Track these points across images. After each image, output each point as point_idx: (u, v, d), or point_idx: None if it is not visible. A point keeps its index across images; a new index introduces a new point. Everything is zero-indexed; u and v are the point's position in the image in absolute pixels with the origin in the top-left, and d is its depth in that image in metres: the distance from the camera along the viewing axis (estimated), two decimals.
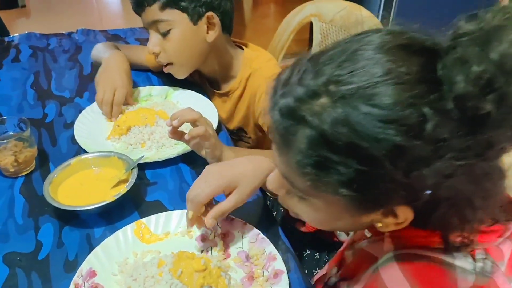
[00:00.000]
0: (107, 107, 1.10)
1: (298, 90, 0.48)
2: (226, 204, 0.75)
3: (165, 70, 1.15)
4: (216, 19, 1.09)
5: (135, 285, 0.70)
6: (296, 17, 1.54)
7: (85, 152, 0.99)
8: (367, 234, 0.65)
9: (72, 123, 1.10)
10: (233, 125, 1.25)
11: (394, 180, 0.45)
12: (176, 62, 1.13)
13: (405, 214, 0.50)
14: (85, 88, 1.27)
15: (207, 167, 0.78)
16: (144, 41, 1.54)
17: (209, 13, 1.08)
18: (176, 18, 1.06)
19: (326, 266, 0.81)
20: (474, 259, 0.53)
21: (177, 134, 0.92)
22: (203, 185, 0.74)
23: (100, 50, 1.24)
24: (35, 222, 0.85)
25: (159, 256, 0.76)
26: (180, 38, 1.08)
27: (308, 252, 1.01)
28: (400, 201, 0.49)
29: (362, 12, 1.35)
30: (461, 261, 0.52)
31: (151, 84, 1.30)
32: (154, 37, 1.09)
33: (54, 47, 1.49)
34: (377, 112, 0.43)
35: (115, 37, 1.58)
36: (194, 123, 0.89)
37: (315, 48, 1.49)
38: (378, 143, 0.43)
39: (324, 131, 0.45)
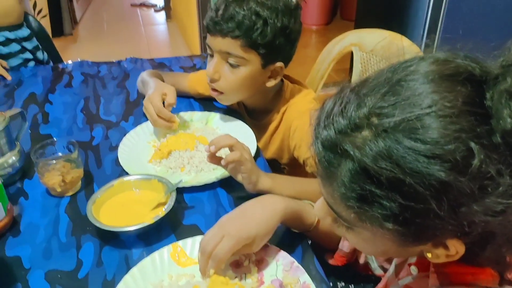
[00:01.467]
0: (161, 114, 1.13)
1: (340, 122, 0.48)
2: (226, 252, 0.75)
3: (214, 95, 1.17)
4: (282, 69, 1.13)
5: None
6: (337, 46, 1.55)
7: (127, 174, 1.03)
8: (413, 271, 0.63)
9: (117, 146, 1.15)
10: (267, 155, 1.26)
11: (440, 215, 0.44)
12: (228, 93, 1.15)
13: (456, 247, 0.48)
14: (130, 112, 1.32)
15: (224, 219, 0.78)
16: (187, 69, 1.60)
17: (280, 64, 1.11)
18: (251, 59, 1.07)
19: None
20: None
21: (215, 159, 0.94)
22: (225, 245, 0.73)
23: (145, 79, 1.28)
24: (77, 241, 0.88)
25: (194, 280, 0.76)
26: (246, 77, 1.10)
27: (343, 284, 0.99)
28: (450, 235, 0.47)
29: (403, 41, 1.34)
30: None
31: (193, 110, 1.33)
32: (218, 64, 1.10)
33: (104, 74, 1.57)
34: (421, 147, 0.42)
35: (161, 65, 1.64)
36: (231, 149, 0.91)
37: (355, 78, 1.49)
38: (421, 178, 0.42)
39: (366, 165, 0.45)
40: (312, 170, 1.10)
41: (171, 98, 1.16)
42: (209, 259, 0.74)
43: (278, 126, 1.21)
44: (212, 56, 1.12)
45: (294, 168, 1.25)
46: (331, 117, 0.50)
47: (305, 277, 0.76)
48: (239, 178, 0.94)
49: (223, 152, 0.94)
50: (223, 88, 1.12)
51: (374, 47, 1.43)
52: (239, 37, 1.03)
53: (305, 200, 0.86)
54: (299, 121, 1.14)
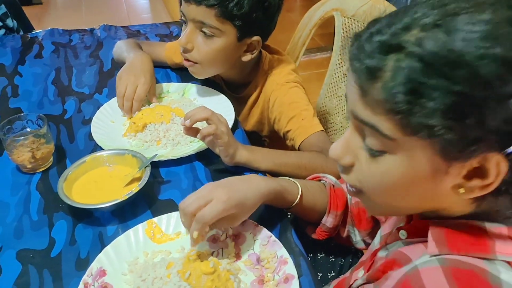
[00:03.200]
0: (128, 102, 1.10)
1: (392, 28, 0.46)
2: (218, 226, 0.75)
3: (187, 65, 1.12)
4: (259, 43, 1.09)
5: (143, 285, 0.70)
6: (318, 11, 1.50)
7: (101, 149, 0.99)
8: (402, 236, 0.62)
9: (90, 119, 1.11)
10: (247, 128, 1.24)
11: (494, 107, 0.42)
12: (202, 65, 1.10)
13: (498, 167, 0.45)
14: (104, 84, 1.27)
15: (212, 184, 0.75)
16: (164, 37, 1.54)
17: (257, 38, 1.07)
18: (226, 30, 1.03)
19: (349, 271, 0.79)
20: None
21: (191, 131, 0.91)
22: (212, 210, 0.70)
23: (123, 49, 1.24)
24: (49, 219, 0.85)
25: (169, 257, 0.75)
26: (220, 48, 1.05)
27: (323, 255, 0.98)
28: (495, 146, 0.45)
29: (385, 5, 1.30)
30: (506, 275, 0.49)
31: (169, 80, 1.29)
32: (191, 33, 1.05)
33: (76, 43, 1.50)
34: (482, 28, 0.42)
35: (136, 33, 1.58)
36: (207, 121, 0.88)
37: (337, 44, 1.46)
38: (481, 59, 0.41)
39: (422, 57, 0.43)
40: (291, 144, 1.08)
41: (140, 93, 1.10)
42: (192, 220, 0.71)
43: (257, 99, 1.18)
44: (186, 22, 1.07)
45: (275, 140, 1.24)
46: (380, 26, 0.48)
47: (282, 251, 0.75)
48: (217, 150, 0.92)
49: (201, 124, 0.91)
50: (197, 58, 1.08)
51: (356, 12, 1.38)
52: (214, 6, 0.99)
53: (289, 178, 0.84)
54: (277, 93, 1.11)
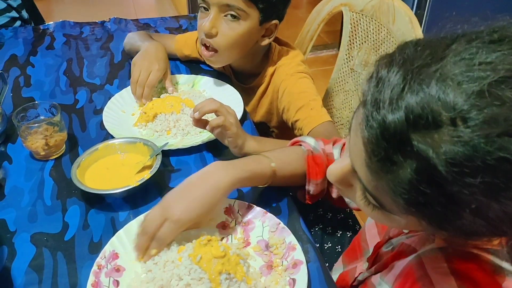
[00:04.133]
0: (140, 88, 1.11)
1: (412, 106, 0.39)
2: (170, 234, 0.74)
3: (207, 55, 1.12)
4: (277, 27, 1.11)
5: (155, 268, 0.71)
6: (326, 6, 1.51)
7: (112, 137, 1.01)
8: (405, 230, 0.63)
9: (102, 109, 1.12)
10: (255, 119, 1.25)
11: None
12: (222, 52, 1.10)
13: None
14: (115, 75, 1.29)
15: (164, 198, 0.76)
16: (174, 31, 1.56)
17: (276, 21, 1.09)
18: (251, 13, 1.04)
19: (342, 263, 0.80)
20: None
21: (200, 122, 0.92)
22: (166, 226, 0.72)
23: (136, 39, 1.26)
24: (62, 204, 0.87)
25: (180, 242, 0.77)
26: (244, 32, 1.06)
27: (330, 245, 1.00)
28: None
29: (394, 1, 1.31)
30: (508, 264, 0.50)
31: (178, 72, 1.31)
32: (216, 18, 1.05)
33: (87, 35, 1.52)
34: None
35: (146, 26, 1.60)
36: (216, 113, 0.90)
37: (345, 40, 1.47)
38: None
39: (438, 168, 0.38)
40: (300, 133, 1.10)
41: (153, 79, 1.12)
42: (150, 239, 0.73)
43: (266, 89, 1.19)
44: (206, 9, 1.07)
45: (283, 131, 1.25)
46: (397, 95, 0.40)
47: (290, 238, 0.76)
48: (226, 142, 0.93)
49: (210, 115, 0.92)
50: (220, 44, 1.08)
51: (364, 7, 1.40)
52: None
53: (263, 154, 0.84)
54: (287, 83, 1.13)
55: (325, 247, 1.00)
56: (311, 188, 0.85)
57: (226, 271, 0.69)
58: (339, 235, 1.03)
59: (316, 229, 1.05)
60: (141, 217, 0.81)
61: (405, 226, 0.49)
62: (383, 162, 0.41)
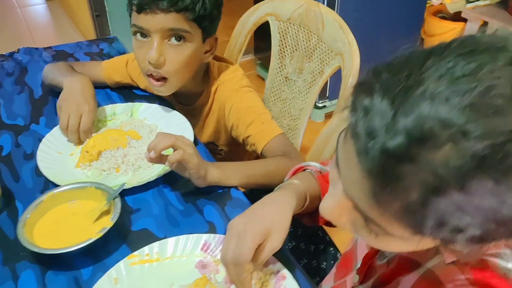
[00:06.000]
0: (73, 135, 1.01)
1: (411, 126, 0.38)
2: (265, 255, 0.68)
3: (157, 85, 1.04)
4: (217, 41, 1.08)
5: None
6: (251, 17, 1.50)
7: (54, 184, 0.91)
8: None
9: (33, 153, 1.01)
10: (202, 139, 1.21)
11: None
12: (172, 78, 1.03)
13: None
14: (39, 113, 1.17)
15: (231, 223, 0.70)
16: (95, 56, 1.46)
17: (215, 36, 1.06)
18: (194, 32, 1.00)
19: (334, 277, 0.79)
20: None
21: (157, 159, 0.85)
22: (241, 245, 0.66)
23: (55, 73, 1.14)
24: (12, 271, 0.76)
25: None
26: (191, 54, 1.01)
27: (306, 261, 0.99)
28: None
29: (320, 8, 1.33)
30: None
31: (111, 101, 1.22)
32: (160, 45, 0.98)
33: None
34: None
35: (62, 54, 1.47)
36: (173, 147, 0.84)
37: (275, 48, 1.47)
38: None
39: (448, 183, 0.38)
40: (253, 149, 1.07)
41: (86, 123, 1.02)
42: (234, 267, 0.67)
43: (210, 108, 1.15)
44: (143, 36, 1.00)
45: (233, 148, 1.22)
46: (391, 121, 0.39)
47: (278, 266, 0.73)
48: (186, 174, 0.87)
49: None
50: (169, 71, 1.01)
51: (291, 15, 1.40)
52: (183, 11, 0.95)
53: (291, 181, 0.81)
54: (233, 99, 1.10)
55: (301, 264, 0.99)
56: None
57: None
58: (312, 250, 1.02)
59: (290, 246, 1.03)
60: (111, 270, 0.73)
61: (415, 248, 0.49)
62: (393, 190, 0.40)
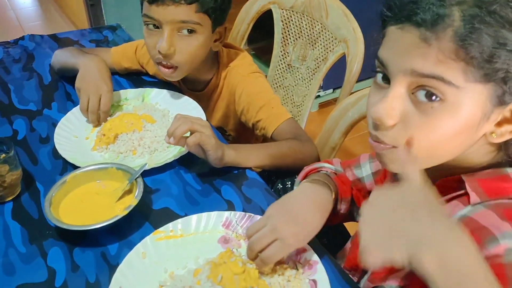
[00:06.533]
0: (93, 116, 1.04)
1: None
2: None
3: (167, 72, 1.07)
4: (226, 30, 1.10)
5: None
6: (254, 5, 1.53)
7: (73, 166, 0.93)
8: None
9: (48, 137, 1.03)
10: (212, 124, 1.23)
11: None
12: (182, 67, 1.06)
13: None
14: (51, 98, 1.18)
15: (270, 214, 0.72)
16: (100, 43, 1.47)
17: (224, 27, 1.08)
18: (204, 24, 1.02)
19: (349, 250, 0.83)
20: None
21: (176, 143, 0.88)
22: (277, 247, 0.69)
23: (68, 55, 1.16)
24: (39, 248, 0.79)
25: (193, 266, 0.74)
26: (201, 44, 1.04)
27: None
28: None
29: None
30: None
31: (121, 87, 1.24)
32: (171, 36, 1.00)
33: (2, 58, 1.37)
34: None
35: (66, 41, 1.48)
36: (190, 131, 0.87)
37: (278, 37, 1.50)
38: None
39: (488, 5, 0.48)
40: (263, 133, 1.10)
41: (106, 103, 1.05)
42: (256, 256, 0.70)
43: (220, 93, 1.18)
44: (155, 27, 1.02)
45: (240, 133, 1.25)
46: None
47: None
48: (204, 156, 0.90)
49: None
50: (180, 61, 1.04)
51: (294, 4, 1.43)
52: (193, 3, 0.97)
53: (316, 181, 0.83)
54: (243, 84, 1.13)
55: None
56: (342, 206, 0.86)
57: (249, 286, 0.68)
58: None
59: None
60: (138, 246, 0.76)
61: (457, 127, 0.53)
62: (437, 19, 0.49)
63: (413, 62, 0.52)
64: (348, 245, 0.86)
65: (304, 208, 0.74)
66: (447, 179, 0.61)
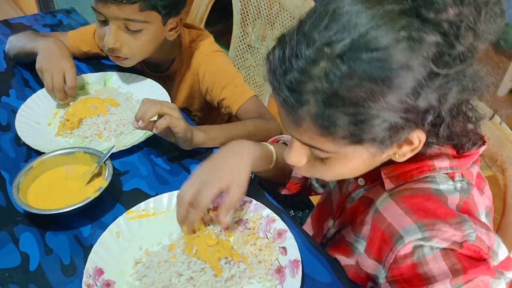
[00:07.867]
0: (59, 93, 1.02)
1: (298, 63, 0.51)
2: (232, 201, 0.74)
3: (117, 61, 1.07)
4: (181, 20, 1.09)
5: (150, 272, 0.70)
6: None
7: (36, 153, 0.92)
8: (361, 183, 0.72)
9: (8, 125, 1.02)
10: (177, 105, 1.24)
11: (408, 108, 0.50)
12: (132, 57, 1.07)
13: (418, 137, 0.56)
14: (8, 85, 1.15)
15: (196, 170, 0.77)
16: (55, 28, 1.43)
17: (179, 17, 1.07)
18: (151, 20, 1.01)
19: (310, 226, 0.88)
20: (453, 181, 0.62)
21: (145, 127, 0.89)
22: (202, 194, 0.73)
23: (25, 40, 1.13)
24: (11, 235, 0.79)
25: (168, 241, 0.76)
26: (149, 38, 1.04)
27: (292, 213, 1.07)
28: (413, 127, 0.54)
29: None
30: (444, 185, 0.62)
31: (80, 71, 1.22)
32: (116, 32, 1.00)
33: None
34: (379, 55, 0.48)
35: (18, 26, 1.43)
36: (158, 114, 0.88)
37: (237, 16, 1.51)
38: (389, 81, 0.48)
39: (335, 90, 0.49)
40: (228, 111, 1.12)
41: (71, 79, 1.03)
42: (187, 209, 0.73)
43: (184, 74, 1.18)
44: (104, 22, 1.02)
45: (206, 113, 1.26)
46: (287, 61, 0.52)
47: (267, 211, 0.80)
48: (173, 139, 0.91)
49: None
50: (127, 54, 1.05)
51: None
52: (137, 2, 0.96)
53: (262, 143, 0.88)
54: (206, 64, 1.14)
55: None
56: (299, 174, 0.90)
57: (224, 256, 0.71)
58: (300, 215, 1.10)
59: None
60: (112, 226, 0.77)
61: (358, 164, 0.60)
62: (297, 108, 0.53)
63: (295, 134, 0.59)
64: (308, 220, 0.90)
65: (225, 155, 0.79)
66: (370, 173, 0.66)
